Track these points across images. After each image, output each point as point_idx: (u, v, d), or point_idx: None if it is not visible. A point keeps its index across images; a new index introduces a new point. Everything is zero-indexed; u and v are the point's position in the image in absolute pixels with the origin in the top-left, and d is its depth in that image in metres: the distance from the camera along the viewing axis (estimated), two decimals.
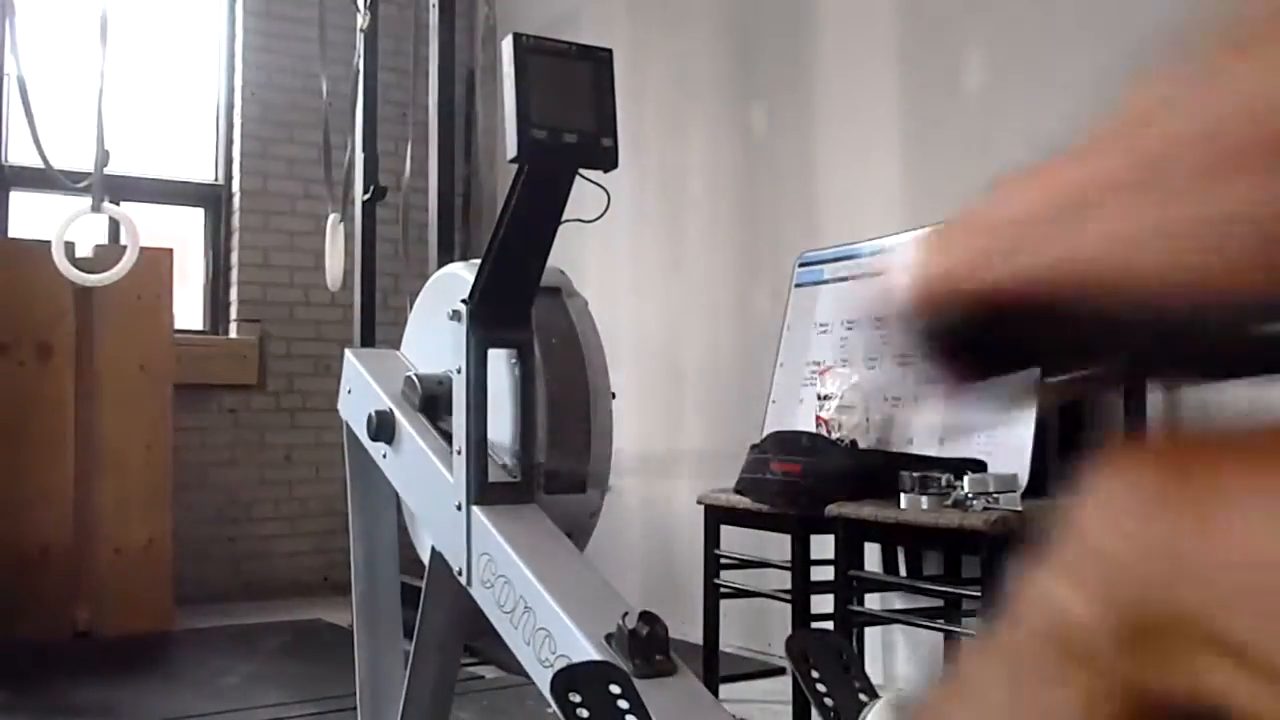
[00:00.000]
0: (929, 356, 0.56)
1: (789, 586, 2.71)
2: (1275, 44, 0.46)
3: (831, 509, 2.49)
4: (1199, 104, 0.47)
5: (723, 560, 2.94)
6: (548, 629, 1.34)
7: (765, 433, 2.92)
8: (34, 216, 4.33)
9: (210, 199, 4.84)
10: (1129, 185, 0.49)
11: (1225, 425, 0.52)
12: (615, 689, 1.17)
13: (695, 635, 2.88)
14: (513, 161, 1.42)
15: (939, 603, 2.69)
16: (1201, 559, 0.47)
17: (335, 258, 3.72)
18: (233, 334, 4.76)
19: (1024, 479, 2.31)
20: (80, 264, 3.42)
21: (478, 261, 1.56)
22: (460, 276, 1.64)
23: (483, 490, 1.51)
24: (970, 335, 0.54)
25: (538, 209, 1.47)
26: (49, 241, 3.30)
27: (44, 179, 3.32)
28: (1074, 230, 0.50)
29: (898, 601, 2.89)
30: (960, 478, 2.25)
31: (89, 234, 3.80)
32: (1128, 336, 0.53)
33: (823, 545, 2.65)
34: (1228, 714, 0.47)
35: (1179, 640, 0.48)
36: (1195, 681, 0.47)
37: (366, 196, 3.73)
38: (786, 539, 2.71)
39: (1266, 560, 0.45)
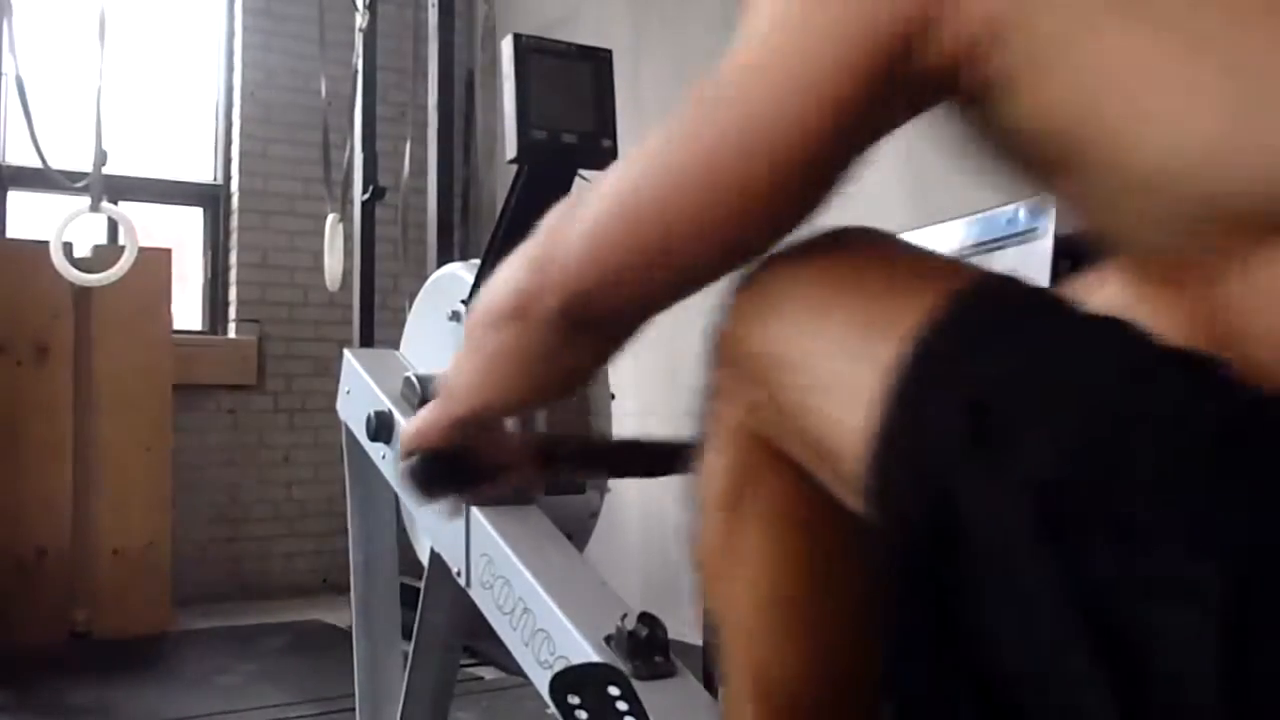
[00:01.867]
0: (412, 486, 0.98)
1: None
2: None
3: None
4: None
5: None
6: (547, 630, 1.34)
7: None
8: (32, 216, 4.32)
9: (209, 199, 4.83)
10: (468, 344, 0.93)
11: (813, 256, 0.74)
12: (614, 690, 1.17)
13: (695, 636, 2.87)
14: (512, 162, 1.42)
15: None
16: (776, 350, 0.71)
17: (334, 258, 3.72)
18: (231, 334, 4.76)
19: None
20: (78, 264, 3.42)
21: (477, 261, 1.56)
22: (460, 276, 1.63)
23: None
24: (432, 469, 0.98)
25: (538, 209, 1.46)
26: (47, 241, 3.29)
27: (42, 179, 3.32)
28: (455, 385, 0.96)
29: None
30: None
31: (87, 234, 3.79)
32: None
33: None
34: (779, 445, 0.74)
35: (761, 396, 0.73)
36: (769, 424, 0.74)
37: (366, 196, 3.72)
38: None
39: (807, 355, 0.69)
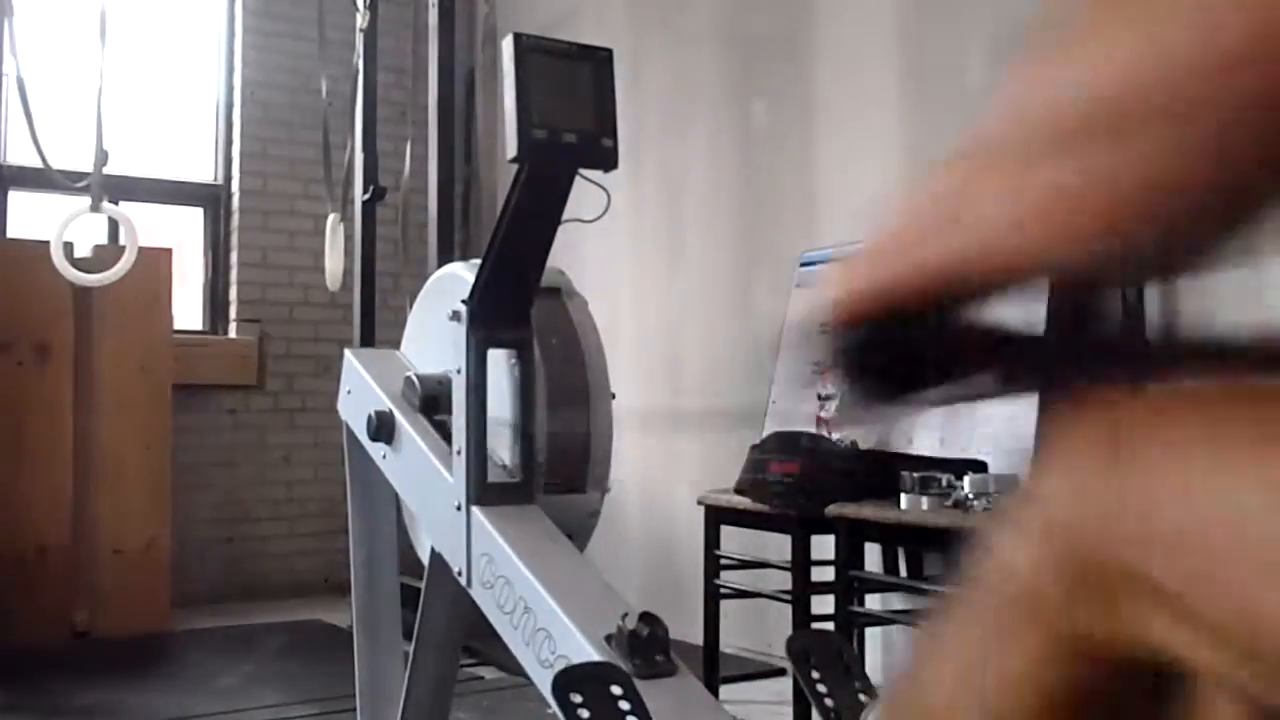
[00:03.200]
0: (846, 375, 0.59)
1: (789, 587, 2.71)
2: (1106, 30, 0.49)
3: (832, 509, 2.49)
4: (1044, 91, 0.51)
5: (723, 561, 2.94)
6: (548, 629, 1.34)
7: (765, 433, 2.92)
8: (33, 216, 4.32)
9: (209, 199, 4.83)
10: (994, 175, 0.53)
11: (1163, 388, 0.55)
12: (616, 689, 1.17)
13: (695, 636, 2.87)
14: (513, 161, 1.42)
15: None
16: (1139, 515, 0.49)
17: (335, 258, 3.72)
18: (232, 334, 4.76)
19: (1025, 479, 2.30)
20: (79, 264, 3.42)
21: (478, 261, 1.55)
22: (460, 276, 1.63)
23: (482, 491, 1.51)
24: (881, 350, 0.58)
25: (538, 209, 1.47)
26: (48, 241, 3.29)
27: (43, 179, 3.32)
28: (952, 230, 0.54)
29: (898, 602, 2.89)
30: (961, 478, 2.25)
31: (88, 234, 3.79)
32: (1021, 336, 0.58)
33: (823, 546, 2.65)
34: (1167, 662, 0.50)
35: (1123, 594, 0.50)
36: (1140, 634, 0.50)
37: (366, 196, 3.72)
38: (787, 539, 2.70)
39: (1196, 516, 0.48)
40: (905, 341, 0.58)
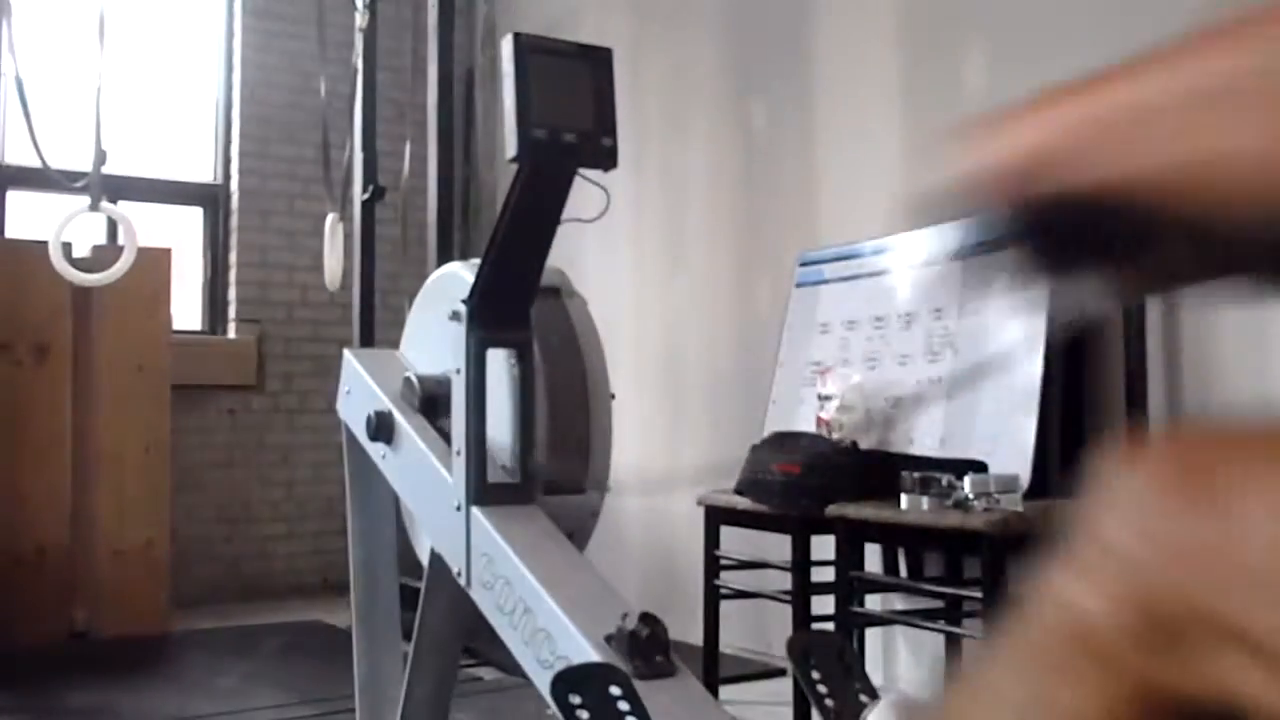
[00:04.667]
0: (1015, 242, 0.56)
1: (789, 587, 2.71)
2: None
3: (832, 509, 2.49)
4: (1247, 46, 0.49)
5: (723, 561, 2.94)
6: (547, 630, 1.34)
7: (766, 433, 2.92)
8: (32, 216, 4.32)
9: (208, 199, 4.83)
10: (1196, 104, 0.50)
11: (1232, 422, 0.53)
12: (616, 690, 1.16)
13: (695, 636, 2.87)
14: (513, 161, 1.41)
15: (940, 604, 2.68)
16: (1216, 556, 0.47)
17: (334, 257, 3.71)
18: (231, 334, 4.76)
19: (1025, 480, 2.30)
20: (78, 264, 3.42)
21: (477, 261, 1.55)
22: (460, 276, 1.63)
23: (482, 491, 1.51)
24: (1053, 226, 0.55)
25: (538, 209, 1.47)
26: (46, 241, 3.29)
27: (42, 178, 3.31)
28: (1148, 138, 0.51)
29: (898, 602, 2.88)
30: (961, 478, 2.25)
31: (87, 234, 3.79)
32: (1211, 237, 0.53)
33: (823, 546, 2.65)
34: (1243, 712, 0.48)
35: (1195, 637, 0.48)
36: (1212, 678, 0.48)
37: (365, 196, 3.72)
38: (787, 540, 2.70)
39: (1269, 556, 0.46)
40: (1084, 220, 0.55)
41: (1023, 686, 0.57)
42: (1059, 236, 0.56)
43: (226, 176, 4.82)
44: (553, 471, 1.59)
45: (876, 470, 2.50)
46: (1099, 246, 0.56)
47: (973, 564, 2.50)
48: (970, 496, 2.21)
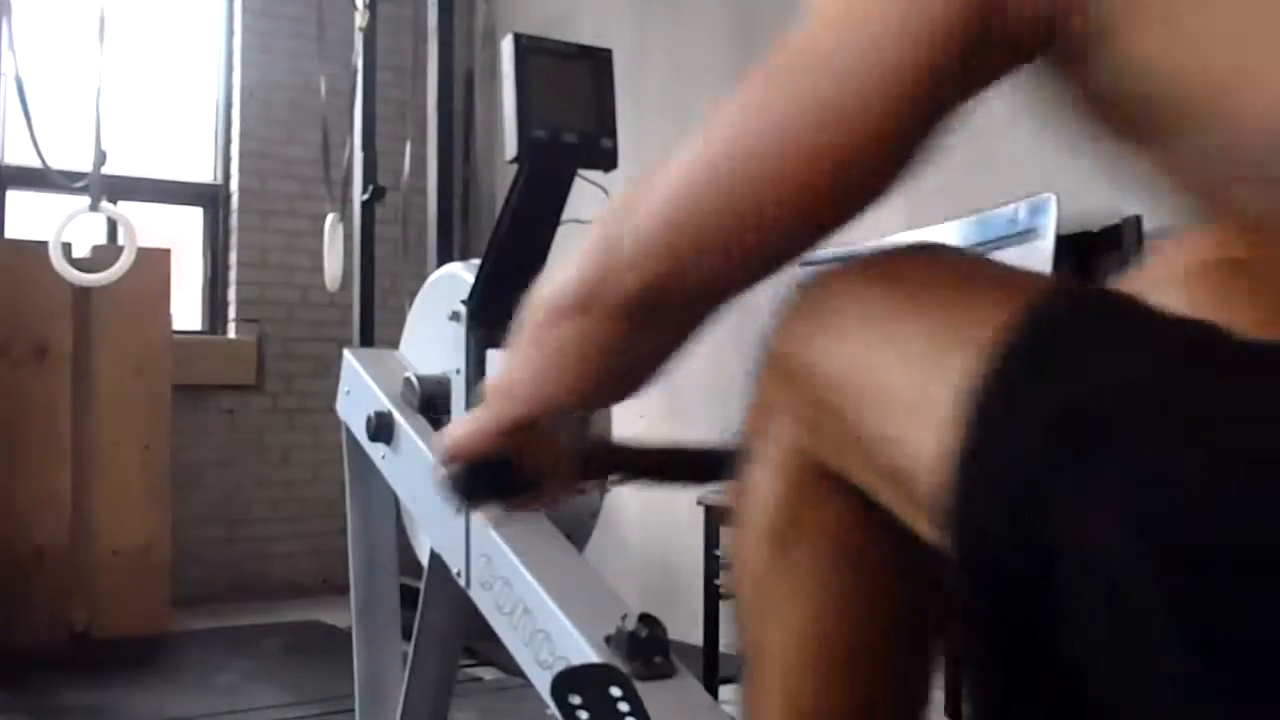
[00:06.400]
0: (456, 491, 0.91)
1: None
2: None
3: None
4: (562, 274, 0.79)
5: (723, 561, 2.93)
6: (547, 631, 1.34)
7: None
8: (31, 216, 4.32)
9: (208, 199, 4.83)
10: (529, 344, 0.83)
11: (846, 269, 0.72)
12: (615, 691, 1.16)
13: (695, 637, 2.87)
14: (512, 161, 1.41)
15: None
16: (840, 369, 0.67)
17: (334, 258, 3.71)
18: (231, 334, 4.76)
19: None
20: (78, 264, 3.42)
21: (477, 261, 1.55)
22: (460, 276, 1.63)
23: None
24: (481, 472, 0.90)
25: (538, 209, 1.47)
26: (46, 241, 3.29)
27: (41, 179, 3.31)
28: (508, 383, 0.87)
29: None
30: None
31: (86, 234, 3.79)
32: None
33: None
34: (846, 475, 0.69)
35: (822, 420, 0.69)
36: (831, 449, 0.69)
37: (365, 196, 3.72)
38: None
39: (875, 374, 0.64)
40: (493, 465, 0.89)
41: (762, 501, 0.76)
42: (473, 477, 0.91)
43: (226, 176, 4.83)
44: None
45: None
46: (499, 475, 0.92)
47: None
48: None
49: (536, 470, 0.92)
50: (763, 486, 0.75)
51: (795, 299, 0.72)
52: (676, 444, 1.01)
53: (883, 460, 0.63)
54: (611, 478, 1.01)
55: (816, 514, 0.72)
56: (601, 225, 0.74)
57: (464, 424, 0.88)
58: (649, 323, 0.74)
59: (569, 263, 0.77)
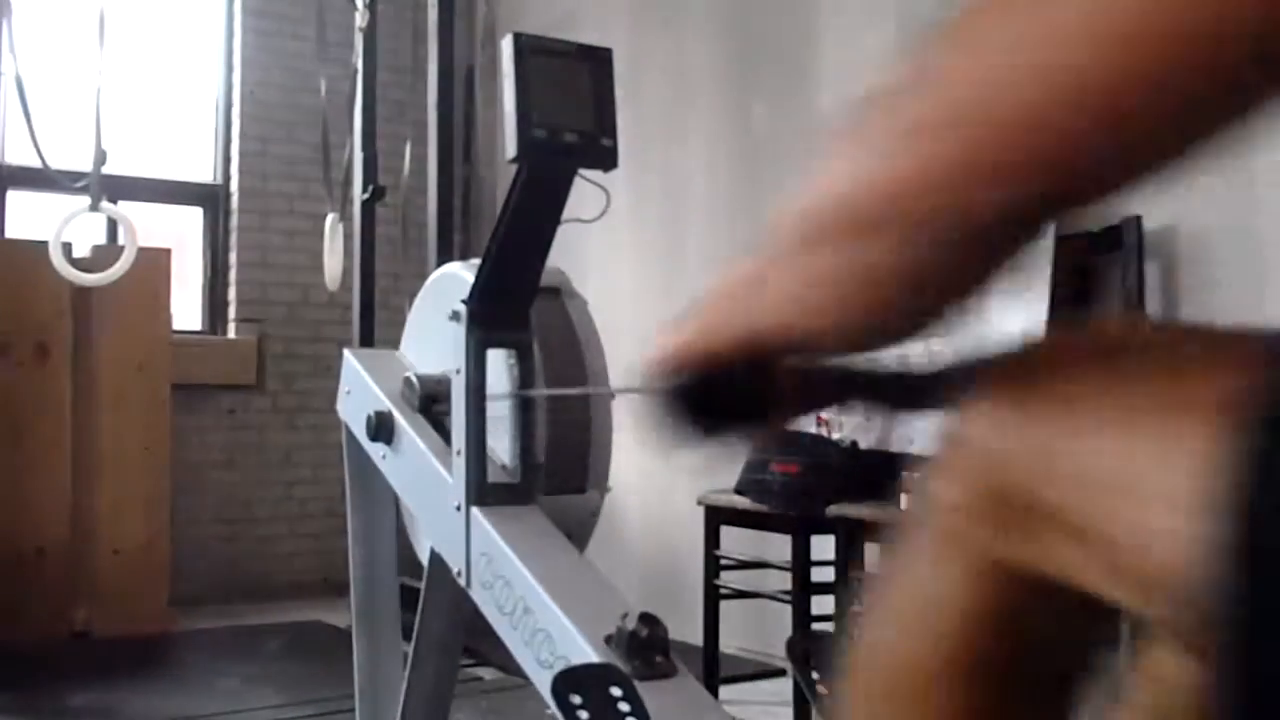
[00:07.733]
0: (672, 417, 0.72)
1: (789, 587, 2.71)
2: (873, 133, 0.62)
3: (832, 509, 2.49)
4: (830, 182, 0.63)
5: (723, 561, 2.94)
6: (547, 630, 1.34)
7: None
8: (32, 216, 4.32)
9: (208, 199, 4.83)
10: (783, 264, 0.65)
11: (1070, 344, 0.65)
12: (616, 690, 1.16)
13: (695, 637, 2.87)
14: (513, 161, 1.41)
15: None
16: (1049, 454, 0.59)
17: (334, 258, 3.72)
18: (231, 334, 4.76)
19: None
20: (78, 264, 3.42)
21: (477, 261, 1.55)
22: (460, 276, 1.63)
23: (482, 491, 1.51)
24: (702, 396, 0.71)
25: (538, 209, 1.47)
26: (46, 241, 3.29)
27: (42, 178, 3.32)
28: (755, 299, 0.66)
29: None
30: None
31: (87, 234, 3.79)
32: (818, 380, 0.74)
33: (823, 546, 2.65)
34: (1068, 583, 0.59)
35: (1033, 520, 0.59)
36: (1044, 554, 0.59)
37: (365, 196, 3.72)
38: (787, 540, 2.70)
39: (1092, 458, 0.57)
40: (723, 385, 0.71)
41: (908, 573, 0.69)
42: (697, 397, 0.71)
43: (226, 176, 4.83)
44: (552, 471, 1.59)
45: (876, 470, 2.50)
46: (730, 398, 0.72)
47: None
48: None
49: (768, 395, 0.74)
50: (940, 595, 0.65)
51: (988, 385, 0.64)
52: (902, 365, 0.83)
53: (1122, 560, 0.55)
54: (839, 404, 0.85)
55: (1024, 640, 0.63)
56: (894, 113, 0.61)
57: (697, 329, 0.70)
58: (973, 240, 0.60)
59: (844, 166, 0.64)
